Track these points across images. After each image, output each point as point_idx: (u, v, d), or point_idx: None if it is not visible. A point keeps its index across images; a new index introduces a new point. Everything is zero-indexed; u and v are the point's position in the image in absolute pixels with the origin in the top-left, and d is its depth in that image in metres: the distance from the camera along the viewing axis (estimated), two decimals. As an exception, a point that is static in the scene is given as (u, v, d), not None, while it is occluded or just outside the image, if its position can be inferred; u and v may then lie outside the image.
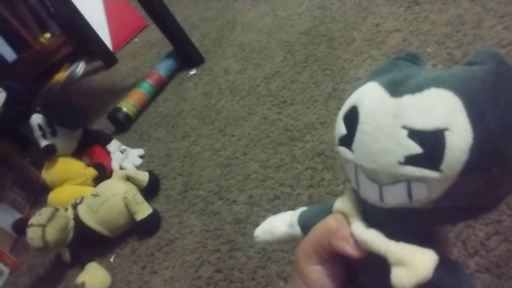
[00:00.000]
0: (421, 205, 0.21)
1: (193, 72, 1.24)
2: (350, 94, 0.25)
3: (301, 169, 0.74)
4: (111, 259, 0.83)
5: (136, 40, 1.82)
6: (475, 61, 0.21)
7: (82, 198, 0.86)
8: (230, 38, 1.30)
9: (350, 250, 0.26)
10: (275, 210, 0.70)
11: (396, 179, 0.22)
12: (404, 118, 0.21)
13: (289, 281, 0.32)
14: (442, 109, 0.20)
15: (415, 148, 0.20)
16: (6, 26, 1.88)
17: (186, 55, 1.26)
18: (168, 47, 1.32)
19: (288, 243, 0.34)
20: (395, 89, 0.22)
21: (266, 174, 0.78)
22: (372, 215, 0.26)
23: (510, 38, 0.71)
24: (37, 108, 0.96)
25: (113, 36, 1.82)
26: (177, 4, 1.77)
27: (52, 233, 0.77)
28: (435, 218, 0.22)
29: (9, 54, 1.90)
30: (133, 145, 1.09)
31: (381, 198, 0.23)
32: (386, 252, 0.23)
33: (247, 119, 0.94)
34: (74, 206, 0.85)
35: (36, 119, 0.95)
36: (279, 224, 0.35)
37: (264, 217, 0.70)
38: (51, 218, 0.78)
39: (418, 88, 0.21)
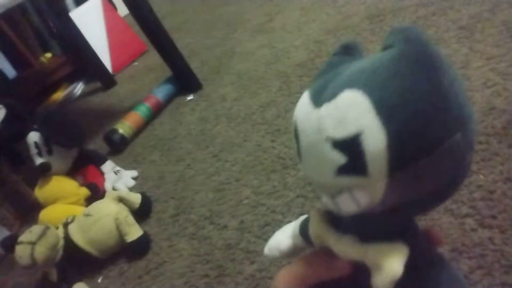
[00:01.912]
0: (372, 209, 0.22)
1: (190, 97, 1.27)
2: None
3: (292, 196, 0.75)
4: (99, 280, 0.83)
5: (136, 64, 1.85)
6: (387, 44, 0.21)
7: (74, 217, 0.86)
8: (228, 66, 1.34)
9: (340, 273, 0.27)
10: (265, 237, 0.70)
11: (339, 190, 0.22)
12: (325, 130, 0.21)
13: None
14: (353, 114, 0.20)
15: (341, 159, 0.20)
16: (7, 43, 1.91)
17: (184, 80, 1.29)
18: (167, 72, 1.35)
19: (298, 254, 0.35)
20: (317, 98, 0.22)
21: (258, 200, 0.79)
22: (345, 222, 0.26)
23: (495, 79, 0.74)
24: (35, 126, 0.97)
25: (113, 58, 1.86)
26: (178, 31, 1.82)
27: (41, 251, 0.77)
28: (396, 214, 0.22)
29: (9, 71, 1.93)
30: (127, 167, 1.10)
31: (338, 208, 0.23)
32: (362, 258, 0.24)
33: (241, 145, 0.96)
34: (65, 225, 0.85)
35: (33, 137, 0.96)
36: (283, 239, 0.35)
37: (254, 243, 0.71)
38: (41, 236, 0.78)
39: (333, 93, 0.21)
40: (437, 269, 0.24)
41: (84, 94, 1.89)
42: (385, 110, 0.19)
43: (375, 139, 0.19)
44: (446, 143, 0.19)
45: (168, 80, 1.32)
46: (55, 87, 2.03)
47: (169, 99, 1.30)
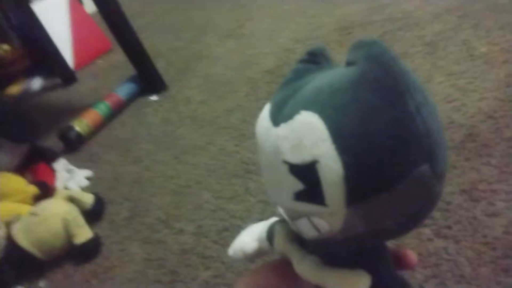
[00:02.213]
0: (332, 236, 0.20)
1: (154, 98, 1.23)
2: None
3: (253, 201, 0.73)
4: (41, 284, 0.77)
5: (100, 61, 1.79)
6: (350, 61, 0.19)
7: (19, 216, 0.80)
8: (195, 69, 1.32)
9: None
10: (223, 242, 0.68)
11: (298, 215, 0.21)
12: (282, 152, 0.19)
13: None
14: (309, 140, 0.18)
15: (297, 184, 0.19)
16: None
17: (148, 80, 1.25)
18: (131, 71, 1.31)
19: (262, 256, 0.33)
20: (276, 116, 0.21)
21: (218, 204, 0.77)
22: (309, 243, 0.25)
23: (455, 94, 0.76)
24: (-19, 117, 0.91)
25: (76, 54, 1.79)
26: (146, 31, 1.77)
27: (-22, 251, 0.71)
28: (358, 242, 0.21)
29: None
30: (81, 166, 1.05)
31: (299, 231, 0.22)
32: (322, 284, 0.23)
33: (204, 148, 0.94)
34: (8, 224, 0.79)
35: (-21, 128, 0.90)
36: (249, 241, 0.34)
37: (211, 249, 0.69)
38: (-21, 235, 0.72)
39: (291, 113, 0.19)
40: None
41: (42, 89, 1.80)
42: (342, 139, 0.17)
43: (331, 169, 0.17)
44: (410, 176, 0.17)
45: (132, 79, 1.27)
46: (11, 80, 1.92)
47: (131, 99, 1.25)
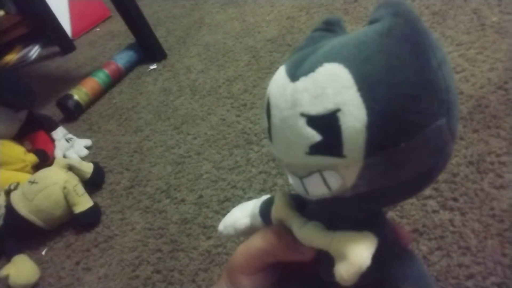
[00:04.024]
0: (343, 193, 0.20)
1: (153, 66, 1.21)
2: None
3: (254, 172, 0.72)
4: (43, 253, 0.77)
5: (98, 29, 1.75)
6: (374, 18, 0.19)
7: (18, 184, 0.80)
8: (195, 37, 1.28)
9: (299, 257, 0.25)
10: (224, 212, 0.67)
11: (309, 171, 0.20)
12: (300, 105, 0.19)
13: (215, 285, 0.30)
14: (332, 88, 0.18)
15: (315, 136, 0.19)
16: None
17: (148, 48, 1.22)
18: (131, 39, 1.28)
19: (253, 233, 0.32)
20: (294, 72, 0.20)
21: (218, 175, 0.76)
22: (311, 208, 0.25)
23: (464, 65, 0.74)
24: (-23, 84, 0.88)
25: (73, 22, 1.74)
26: (145, -2, 1.72)
27: (-23, 219, 0.71)
28: (368, 202, 0.21)
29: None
30: (81, 135, 1.03)
31: (306, 191, 0.22)
32: (326, 247, 0.22)
33: (204, 118, 0.92)
34: (8, 193, 0.79)
35: (-25, 95, 0.88)
36: (241, 217, 0.33)
37: (212, 219, 0.68)
38: (-22, 203, 0.71)
39: (312, 67, 0.19)
40: (405, 263, 0.23)
41: (40, 58, 1.77)
42: (368, 86, 0.17)
43: (354, 117, 0.17)
44: (429, 128, 0.17)
45: (131, 47, 1.24)
46: (7, 48, 1.88)
47: (130, 67, 1.23)
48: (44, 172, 0.80)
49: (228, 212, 0.36)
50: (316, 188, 0.21)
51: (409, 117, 0.17)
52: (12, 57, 1.85)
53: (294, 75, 0.20)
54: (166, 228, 0.70)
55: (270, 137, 0.23)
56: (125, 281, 0.65)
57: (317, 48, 0.21)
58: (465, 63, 0.74)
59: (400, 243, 0.24)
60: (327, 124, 0.18)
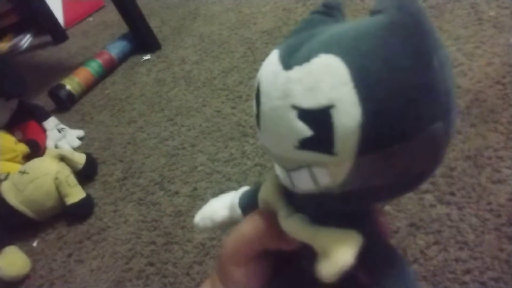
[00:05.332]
0: (330, 190, 0.19)
1: (147, 57, 1.19)
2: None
3: (250, 165, 0.72)
4: (34, 244, 0.76)
5: (91, 19, 1.72)
6: (376, 10, 0.18)
7: (8, 174, 0.78)
8: (190, 28, 1.26)
9: (285, 246, 0.25)
10: (219, 205, 0.67)
11: (298, 165, 0.19)
12: (292, 96, 0.18)
13: (208, 278, 0.29)
14: (327, 82, 0.17)
15: (306, 131, 0.18)
16: None
17: (141, 38, 1.20)
18: (124, 29, 1.26)
19: (230, 227, 0.31)
20: (288, 60, 0.19)
21: (213, 167, 0.75)
22: (297, 199, 0.23)
23: (462, 59, 0.73)
24: (-33, 72, 0.86)
25: (66, 11, 1.71)
26: (139, -13, 1.70)
27: (-34, 209, 0.69)
28: (355, 199, 0.20)
29: None
30: (73, 126, 1.02)
31: (293, 184, 0.21)
32: (310, 241, 0.22)
33: (199, 110, 0.91)
34: (-3, 183, 0.77)
35: (-36, 83, 0.86)
36: (219, 208, 0.32)
37: (206, 211, 0.67)
38: (-33, 193, 0.70)
39: (307, 56, 0.18)
40: (388, 262, 0.22)
41: (31, 47, 1.74)
42: (365, 84, 0.16)
43: (348, 115, 0.16)
44: (425, 131, 0.17)
45: (124, 37, 1.22)
46: (-2, 37, 1.85)
47: (123, 57, 1.21)
48: (35, 163, 0.79)
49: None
50: (303, 183, 0.20)
51: (406, 120, 0.16)
52: (3, 46, 1.82)
53: (287, 63, 0.19)
54: (160, 221, 0.69)
55: (258, 124, 0.22)
56: (118, 274, 0.64)
57: (313, 35, 0.19)
58: (462, 57, 0.74)
59: (385, 240, 0.23)
60: (319, 119, 0.17)
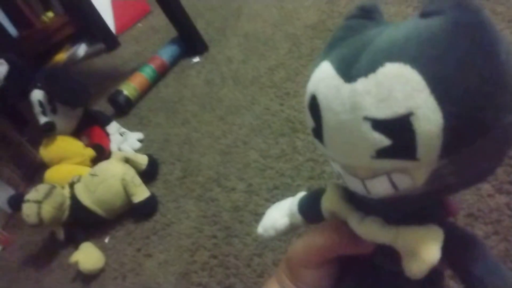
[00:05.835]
0: (410, 192, 0.20)
1: (196, 59, 1.24)
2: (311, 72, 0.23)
3: (301, 160, 0.74)
4: (106, 240, 0.83)
5: (140, 25, 1.80)
6: (432, 11, 0.18)
7: (80, 177, 0.86)
8: (235, 27, 1.30)
9: (362, 250, 0.25)
10: (274, 200, 0.70)
11: (374, 173, 0.20)
12: (363, 108, 0.18)
13: (274, 275, 0.31)
14: (401, 91, 0.17)
15: (383, 141, 0.18)
16: (8, 2, 1.85)
17: (190, 42, 1.25)
18: (172, 33, 1.31)
19: (294, 232, 0.34)
20: (348, 71, 0.19)
21: (266, 163, 0.78)
22: (367, 203, 0.24)
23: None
24: (38, 84, 0.95)
25: (116, 19, 1.80)
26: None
27: (48, 210, 0.77)
28: (432, 196, 0.21)
29: (11, 31, 1.88)
30: (132, 129, 1.09)
31: (368, 191, 0.21)
32: (391, 242, 0.22)
33: (249, 108, 0.94)
34: (71, 185, 0.85)
35: (37, 95, 0.94)
36: (279, 217, 0.33)
37: (263, 206, 0.70)
38: (47, 195, 0.78)
39: (371, 66, 0.18)
40: (469, 245, 0.23)
41: (87, 56, 1.85)
42: (441, 88, 0.17)
43: (429, 120, 0.17)
44: (500, 123, 0.17)
45: (173, 41, 1.28)
46: (57, 48, 1.98)
47: (174, 61, 1.27)
48: (103, 165, 0.86)
49: (278, 199, 0.37)
50: (381, 189, 0.20)
51: (485, 114, 0.17)
52: (61, 57, 1.95)
53: (348, 75, 0.19)
54: (219, 216, 0.73)
55: (319, 138, 0.22)
56: (184, 266, 0.69)
57: (366, 43, 0.19)
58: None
59: (463, 229, 0.24)
60: (398, 128, 0.17)
